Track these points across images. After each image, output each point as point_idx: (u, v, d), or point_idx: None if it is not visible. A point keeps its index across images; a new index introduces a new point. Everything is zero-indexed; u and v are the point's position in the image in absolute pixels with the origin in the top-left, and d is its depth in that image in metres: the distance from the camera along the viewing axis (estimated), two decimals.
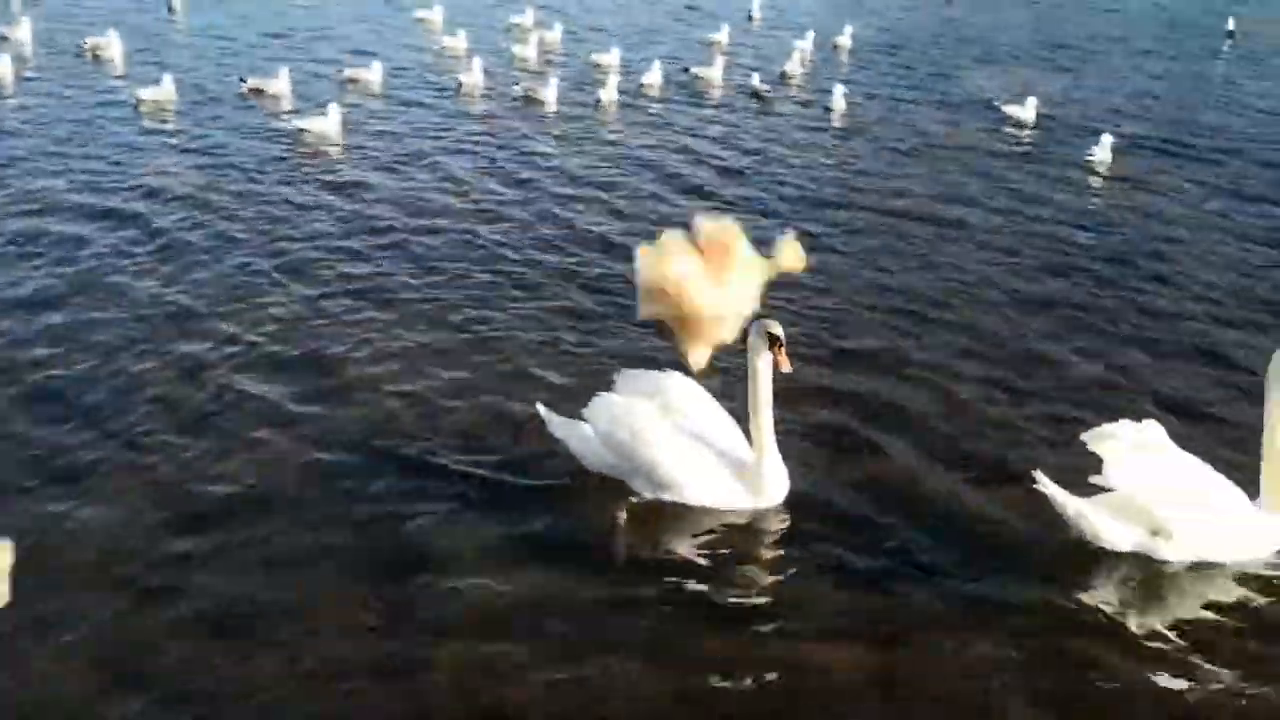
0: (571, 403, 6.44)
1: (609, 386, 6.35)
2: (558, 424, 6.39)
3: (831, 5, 29.11)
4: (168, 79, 15.12)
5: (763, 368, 5.87)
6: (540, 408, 6.43)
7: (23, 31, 18.79)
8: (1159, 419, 5.91)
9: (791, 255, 5.74)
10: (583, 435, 6.27)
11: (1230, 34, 26.18)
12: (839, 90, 16.81)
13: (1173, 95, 19.07)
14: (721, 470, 6.06)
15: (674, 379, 6.28)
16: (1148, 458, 5.68)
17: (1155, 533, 5.70)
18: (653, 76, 17.63)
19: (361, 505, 5.91)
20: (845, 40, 22.59)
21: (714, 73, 18.11)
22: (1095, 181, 13.37)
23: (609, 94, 16.27)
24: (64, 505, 5.78)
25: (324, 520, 5.77)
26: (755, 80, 17.51)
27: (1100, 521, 5.73)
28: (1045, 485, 5.76)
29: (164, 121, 14.38)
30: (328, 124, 13.76)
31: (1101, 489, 5.70)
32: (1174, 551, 5.68)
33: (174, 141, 13.48)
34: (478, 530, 5.75)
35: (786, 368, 5.79)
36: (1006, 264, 10.20)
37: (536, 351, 7.94)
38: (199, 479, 6.07)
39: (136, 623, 4.93)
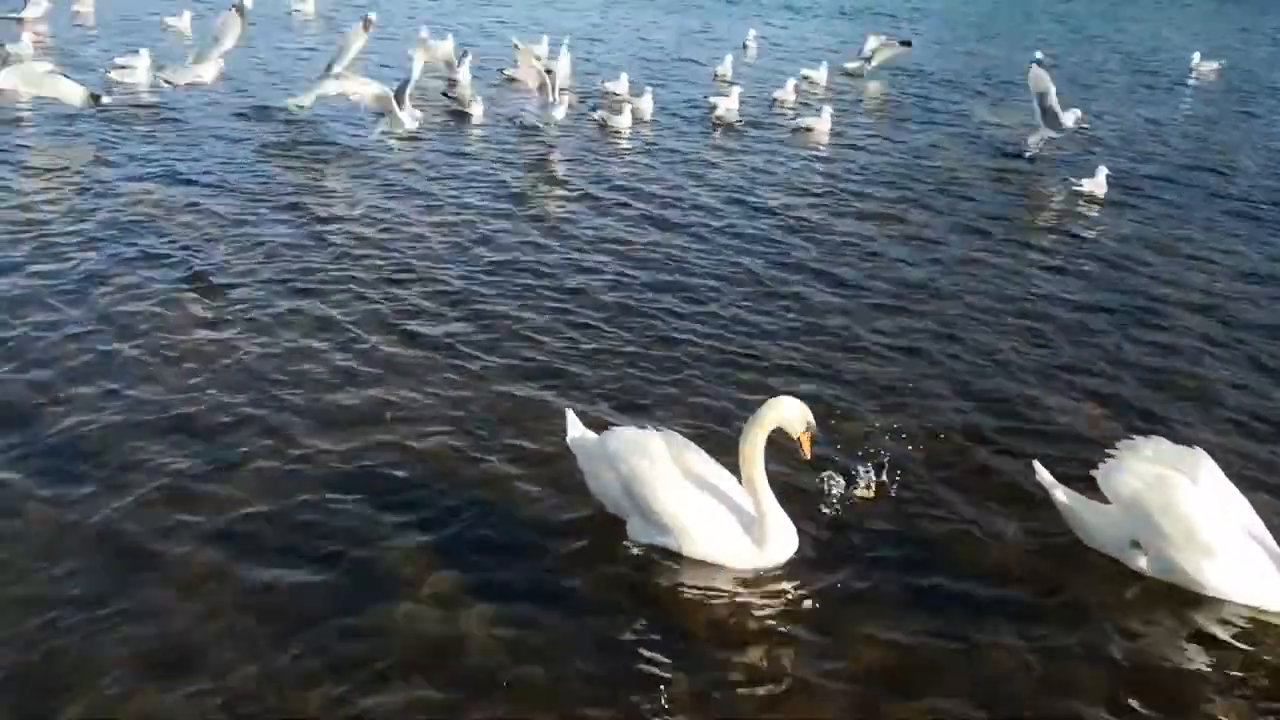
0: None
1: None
2: (578, 435, 6.17)
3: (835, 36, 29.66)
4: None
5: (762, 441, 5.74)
6: (569, 413, 6.31)
7: None
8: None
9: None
10: (594, 454, 6.04)
11: (1192, 70, 26.70)
12: (826, 112, 17.25)
13: (1163, 128, 19.51)
14: (727, 521, 5.75)
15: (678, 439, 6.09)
16: (1156, 471, 5.72)
17: (1135, 544, 5.89)
18: (644, 103, 17.66)
19: (342, 522, 5.99)
20: (860, 65, 22.98)
21: (729, 102, 18.09)
22: (1090, 213, 13.74)
23: (622, 120, 16.55)
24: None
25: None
26: (718, 104, 17.78)
27: (1083, 518, 5.99)
28: (1041, 475, 6.07)
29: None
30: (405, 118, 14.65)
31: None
32: (1151, 568, 5.86)
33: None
34: (460, 549, 5.78)
35: (807, 454, 5.87)
36: (993, 295, 10.41)
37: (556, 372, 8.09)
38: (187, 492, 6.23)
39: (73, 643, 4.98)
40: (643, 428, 6.12)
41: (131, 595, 5.33)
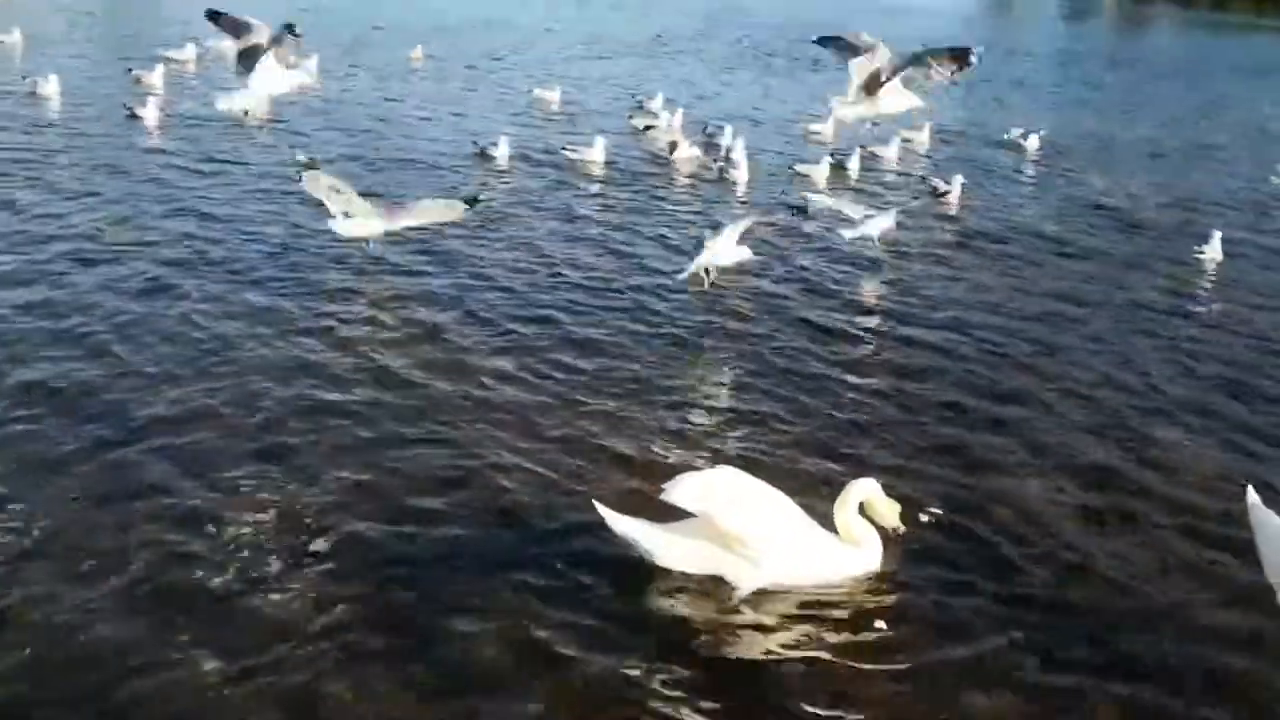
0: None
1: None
2: (624, 524, 5.83)
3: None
4: None
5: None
6: (599, 505, 5.87)
7: None
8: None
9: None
10: (656, 531, 5.83)
11: None
12: (958, 181, 17.21)
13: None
14: (820, 537, 5.97)
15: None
16: None
17: None
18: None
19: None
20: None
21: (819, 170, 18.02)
22: (1204, 281, 13.84)
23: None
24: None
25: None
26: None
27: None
28: (1252, 500, 5.68)
29: None
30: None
31: None
32: None
33: None
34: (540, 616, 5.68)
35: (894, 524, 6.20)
36: (1111, 361, 10.53)
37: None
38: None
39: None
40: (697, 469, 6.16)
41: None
